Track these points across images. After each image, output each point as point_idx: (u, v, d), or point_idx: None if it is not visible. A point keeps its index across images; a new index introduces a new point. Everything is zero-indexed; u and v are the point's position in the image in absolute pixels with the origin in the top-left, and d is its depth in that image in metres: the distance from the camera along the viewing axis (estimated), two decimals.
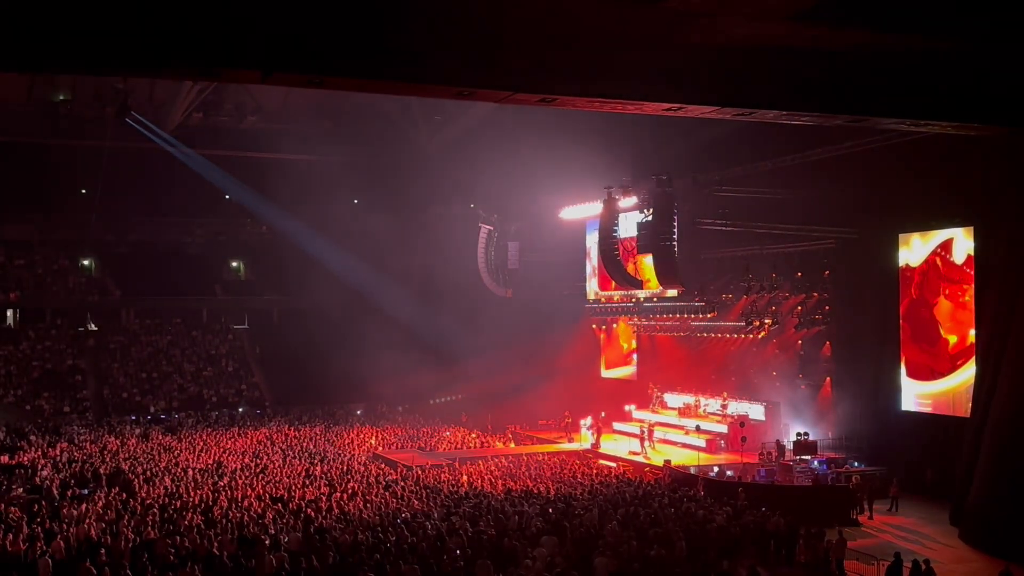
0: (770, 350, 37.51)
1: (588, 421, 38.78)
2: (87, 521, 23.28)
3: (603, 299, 44.79)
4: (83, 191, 55.12)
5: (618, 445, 37.86)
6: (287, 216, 52.89)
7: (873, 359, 33.24)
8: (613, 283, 41.13)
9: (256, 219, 56.45)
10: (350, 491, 27.49)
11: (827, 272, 34.85)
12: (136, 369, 51.25)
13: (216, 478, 30.18)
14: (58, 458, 34.67)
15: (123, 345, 53.06)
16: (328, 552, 19.68)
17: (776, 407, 35.69)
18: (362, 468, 32.26)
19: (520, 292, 47.18)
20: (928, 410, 31.03)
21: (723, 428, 35.96)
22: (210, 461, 34.06)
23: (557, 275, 47.81)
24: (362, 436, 41.14)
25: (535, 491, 27.23)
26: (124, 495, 27.53)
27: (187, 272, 56.86)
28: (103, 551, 19.80)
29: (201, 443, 39.03)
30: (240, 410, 49.20)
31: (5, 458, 34.67)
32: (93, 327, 50.94)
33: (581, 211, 44.29)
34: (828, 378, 35.43)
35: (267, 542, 20.65)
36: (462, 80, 17.30)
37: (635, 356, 45.65)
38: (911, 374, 31.65)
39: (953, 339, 30.01)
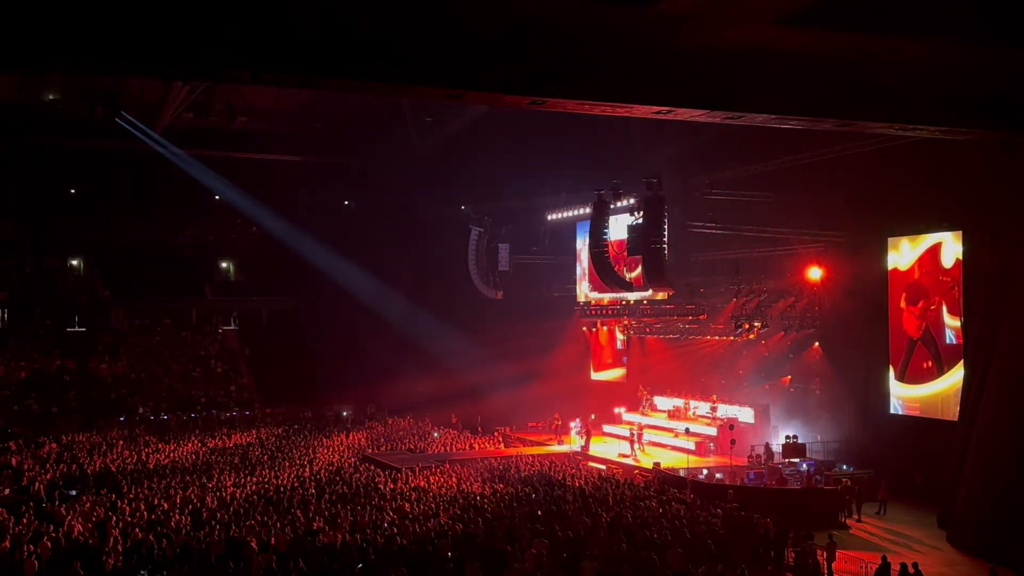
0: (759, 353, 37.57)
1: (577, 423, 38.78)
2: (74, 522, 23.19)
3: (593, 301, 44.80)
4: (72, 191, 54.91)
5: (608, 447, 37.87)
6: (277, 217, 52.76)
7: (862, 362, 33.34)
8: (603, 285, 41.11)
9: (246, 220, 56.26)
10: (339, 492, 27.45)
11: (816, 275, 34.92)
12: (125, 370, 51.03)
13: (204, 479, 30.10)
14: (46, 459, 34.54)
15: (112, 345, 52.82)
16: (316, 554, 19.65)
17: (765, 410, 35.74)
18: (351, 470, 32.21)
19: (510, 294, 47.18)
20: (916, 414, 31.13)
21: (712, 431, 36.00)
22: (198, 462, 33.96)
23: (547, 277, 47.82)
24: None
25: (524, 493, 27.20)
26: (112, 496, 27.46)
27: (177, 273, 56.63)
28: (90, 552, 19.74)
29: (190, 444, 38.93)
30: (231, 413, 49.05)
31: None
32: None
33: (571, 213, 44.31)
34: (817, 381, 35.51)
35: (255, 543, 20.59)
36: (452, 82, 17.32)
37: (625, 359, 45.67)
38: (898, 375, 31.79)
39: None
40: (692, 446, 35.48)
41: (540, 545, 20.11)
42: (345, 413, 49.30)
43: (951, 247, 29.82)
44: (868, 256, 32.83)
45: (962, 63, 19.17)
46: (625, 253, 37.55)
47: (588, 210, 38.68)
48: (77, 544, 20.92)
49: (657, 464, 32.22)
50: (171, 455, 35.89)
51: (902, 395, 31.74)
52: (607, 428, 40.50)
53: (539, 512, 24.06)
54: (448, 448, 39.09)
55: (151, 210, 55.97)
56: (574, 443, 38.19)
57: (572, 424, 39.16)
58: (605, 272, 37.47)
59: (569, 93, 18.03)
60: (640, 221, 33.13)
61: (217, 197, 54.59)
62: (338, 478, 30.23)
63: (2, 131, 47.33)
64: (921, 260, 31.02)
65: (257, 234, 57.68)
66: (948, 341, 29.91)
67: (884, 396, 32.28)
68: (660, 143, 37.56)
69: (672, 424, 38.28)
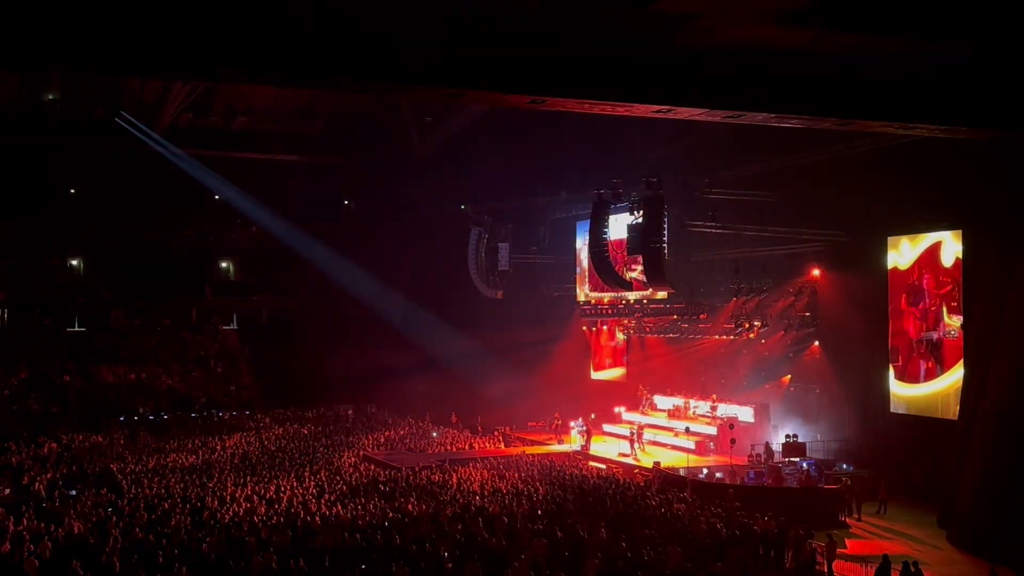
0: (759, 352, 37.58)
1: (578, 423, 38.77)
2: (74, 522, 23.19)
3: (593, 301, 44.81)
4: (72, 191, 54.93)
5: (608, 447, 37.86)
6: (277, 217, 52.77)
7: (862, 361, 33.36)
8: (603, 285, 41.11)
9: (246, 220, 56.28)
10: (339, 492, 27.46)
11: (816, 274, 34.99)
12: (125, 370, 51.05)
13: (205, 479, 30.11)
14: (46, 458, 34.56)
15: (112, 345, 52.84)
16: (317, 554, 19.65)
17: (765, 409, 35.73)
18: (351, 469, 32.22)
19: (510, 294, 47.17)
20: (917, 413, 31.14)
21: (712, 430, 35.98)
22: (198, 462, 33.97)
23: (547, 277, 47.84)
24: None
25: (525, 493, 27.21)
26: (112, 495, 27.46)
27: (176, 273, 56.61)
28: (90, 552, 19.74)
29: (190, 444, 38.94)
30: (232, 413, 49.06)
31: None
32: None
33: (571, 213, 44.30)
34: (817, 380, 35.52)
35: (255, 543, 20.59)
36: (453, 81, 17.34)
37: (625, 358, 45.68)
38: (898, 374, 31.81)
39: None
40: (692, 445, 35.46)
41: (540, 544, 20.12)
42: (350, 412, 49.24)
43: (951, 246, 29.83)
44: (868, 255, 32.85)
45: (961, 61, 19.18)
46: (625, 253, 37.55)
47: (588, 209, 38.67)
48: (77, 544, 20.92)
49: (657, 463, 32.21)
50: (171, 455, 35.88)
51: (902, 394, 31.75)
52: (607, 427, 40.48)
53: (539, 511, 24.07)
54: (448, 447, 39.07)
55: (151, 210, 55.94)
56: (574, 442, 38.18)
57: (573, 424, 39.15)
58: (605, 272, 37.48)
59: (569, 92, 18.05)
60: (640, 220, 33.14)
61: (217, 197, 54.63)
62: (338, 477, 30.24)
63: (2, 131, 47.37)
64: (921, 259, 31.04)
65: (257, 234, 57.70)
66: (948, 340, 29.93)
67: (884, 395, 32.30)
68: (660, 142, 37.55)
69: (672, 423, 38.26)
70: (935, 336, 30.41)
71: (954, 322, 29.59)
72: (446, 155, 49.75)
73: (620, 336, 45.60)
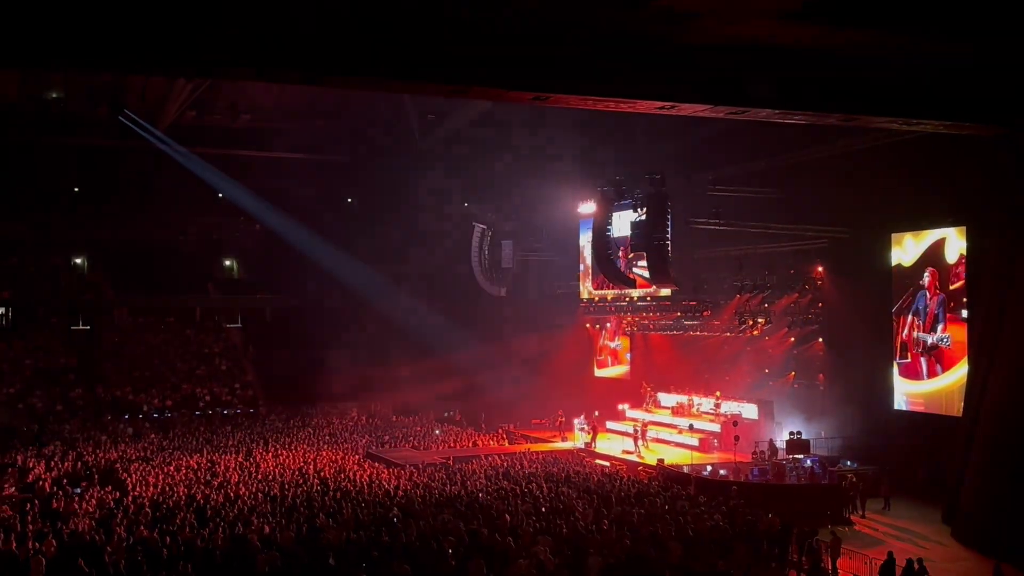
0: (763, 349, 37.56)
1: (580, 420, 38.76)
2: (79, 520, 23.24)
3: (597, 298, 44.78)
4: (76, 189, 54.99)
5: (612, 444, 37.85)
6: (280, 215, 52.80)
7: (866, 358, 33.34)
8: (606, 282, 41.11)
9: (249, 217, 56.33)
10: (343, 490, 27.48)
11: (820, 271, 34.96)
12: (129, 367, 51.11)
13: (209, 476, 30.15)
14: (51, 456, 34.62)
15: (116, 343, 52.90)
16: (321, 551, 19.65)
17: (769, 406, 35.73)
18: (355, 467, 32.25)
19: (514, 291, 47.16)
20: (920, 409, 31.13)
21: (716, 427, 35.97)
22: (203, 460, 34.00)
23: (551, 274, 47.83)
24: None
25: (528, 490, 27.20)
26: (117, 493, 27.51)
27: (180, 270, 56.69)
28: (95, 550, 19.76)
29: (194, 442, 38.99)
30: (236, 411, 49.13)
31: None
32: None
33: (575, 210, 44.30)
34: (821, 377, 35.50)
35: (259, 541, 20.60)
36: (455, 78, 17.35)
37: (628, 355, 45.67)
38: (902, 370, 31.77)
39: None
40: (696, 442, 35.45)
41: (544, 542, 20.11)
42: (354, 411, 49.28)
43: (955, 243, 29.79)
44: (872, 252, 32.81)
45: (965, 58, 19.15)
46: (628, 250, 37.53)
47: (591, 206, 38.64)
48: (82, 542, 20.95)
49: (661, 460, 32.21)
50: (176, 453, 35.93)
51: (906, 391, 31.73)
52: (611, 425, 40.45)
53: (543, 509, 24.06)
54: (451, 445, 39.08)
55: (154, 208, 56.04)
56: (578, 440, 38.19)
57: (576, 421, 39.14)
58: (608, 269, 37.46)
59: (572, 89, 18.05)
60: (643, 217, 33.11)
61: (220, 195, 54.67)
62: (342, 475, 30.26)
63: (5, 129, 47.42)
64: (925, 256, 30.99)
65: (260, 232, 57.73)
66: (943, 347, 29.90)
67: (888, 392, 32.28)
68: (663, 139, 37.53)
69: (676, 420, 38.26)
70: (930, 340, 30.47)
71: (958, 318, 29.56)
72: (449, 152, 49.74)
73: (624, 333, 45.56)
